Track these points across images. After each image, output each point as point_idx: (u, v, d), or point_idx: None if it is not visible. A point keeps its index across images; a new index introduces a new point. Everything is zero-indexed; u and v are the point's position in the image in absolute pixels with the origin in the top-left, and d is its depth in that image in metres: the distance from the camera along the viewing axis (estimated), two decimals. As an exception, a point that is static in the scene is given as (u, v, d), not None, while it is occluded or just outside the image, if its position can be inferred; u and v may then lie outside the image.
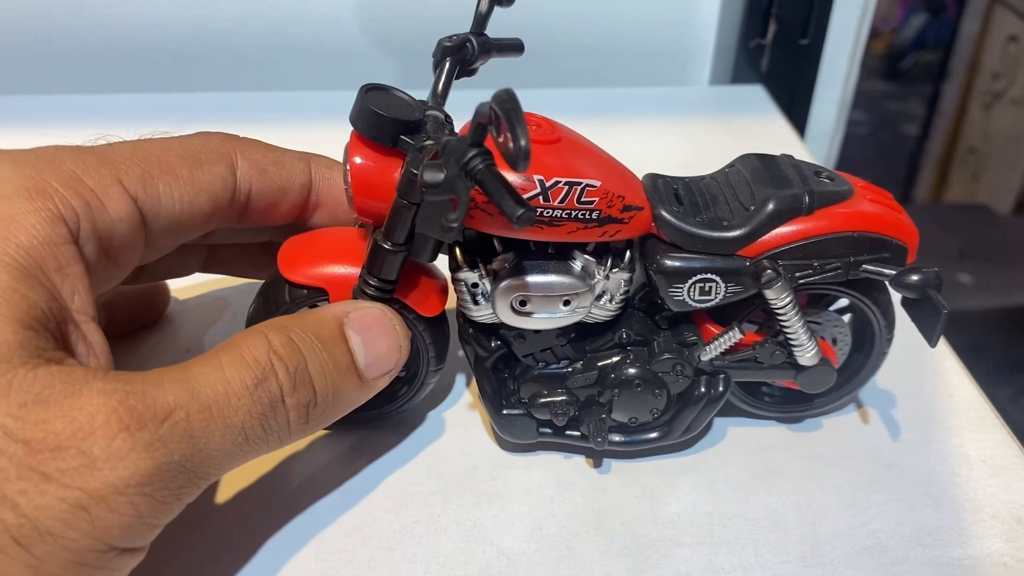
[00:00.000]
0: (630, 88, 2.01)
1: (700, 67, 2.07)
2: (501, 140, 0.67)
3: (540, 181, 0.82)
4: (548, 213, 0.83)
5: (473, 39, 0.92)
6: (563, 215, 0.83)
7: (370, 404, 1.01)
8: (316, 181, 0.98)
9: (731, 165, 0.96)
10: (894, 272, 0.87)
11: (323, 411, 0.82)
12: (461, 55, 0.92)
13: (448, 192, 0.73)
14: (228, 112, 1.73)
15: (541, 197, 0.82)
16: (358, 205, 0.87)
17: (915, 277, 0.86)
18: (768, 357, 0.95)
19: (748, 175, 0.92)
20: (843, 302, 0.98)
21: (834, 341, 0.99)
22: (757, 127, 1.81)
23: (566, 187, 0.83)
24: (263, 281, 0.97)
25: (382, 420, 1.03)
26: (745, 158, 0.95)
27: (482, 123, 0.69)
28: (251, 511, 0.92)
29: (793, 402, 1.02)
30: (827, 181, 0.91)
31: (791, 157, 0.94)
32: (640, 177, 0.94)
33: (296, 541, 0.89)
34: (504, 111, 0.66)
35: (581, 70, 2.04)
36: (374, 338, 0.85)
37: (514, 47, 0.98)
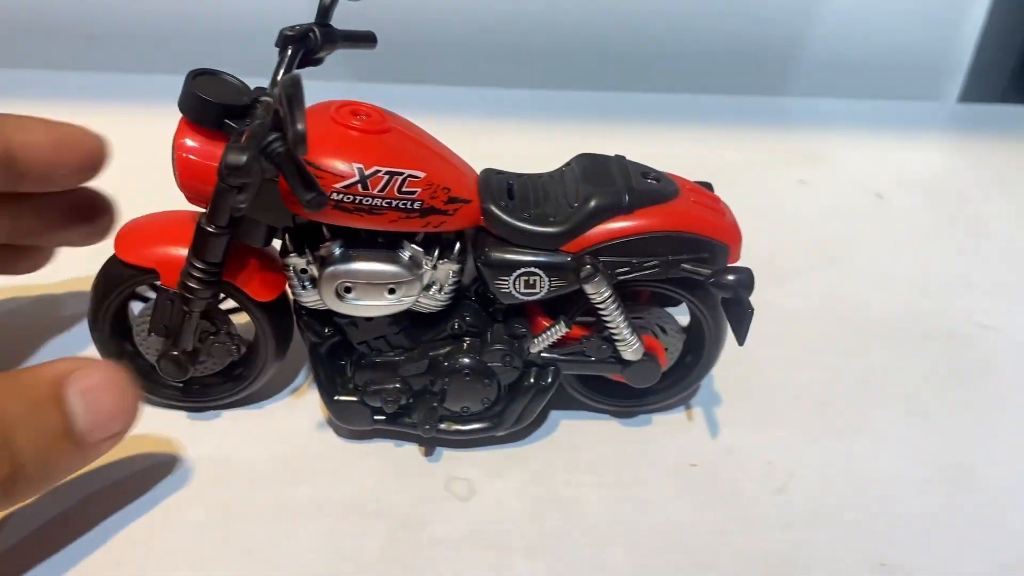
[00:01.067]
0: (873, 101, 1.92)
1: (948, 83, 1.98)
2: (284, 124, 0.69)
3: (359, 169, 0.84)
4: (368, 201, 0.85)
5: (316, 29, 0.94)
6: (383, 204, 0.85)
7: (203, 392, 1.02)
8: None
9: (568, 164, 0.98)
10: (709, 272, 0.90)
11: (32, 482, 0.76)
12: (303, 44, 0.94)
13: (248, 175, 0.75)
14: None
15: (360, 185, 0.84)
16: (185, 188, 0.88)
17: (729, 277, 0.89)
18: (595, 351, 0.98)
19: (579, 174, 0.95)
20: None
21: (657, 336, 1.02)
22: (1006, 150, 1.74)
23: (387, 176, 0.85)
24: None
25: (221, 405, 1.04)
26: (580, 157, 0.98)
27: (276, 109, 0.71)
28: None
29: (628, 396, 1.05)
30: (652, 182, 0.94)
31: (623, 158, 0.97)
32: (479, 172, 0.96)
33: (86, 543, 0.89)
34: (286, 96, 0.67)
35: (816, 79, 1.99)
36: (98, 399, 0.79)
37: (365, 38, 1.00)
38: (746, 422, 1.07)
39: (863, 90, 2.00)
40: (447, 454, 1.00)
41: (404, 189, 0.85)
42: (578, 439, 1.04)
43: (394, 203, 0.85)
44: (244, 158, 0.76)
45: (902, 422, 1.09)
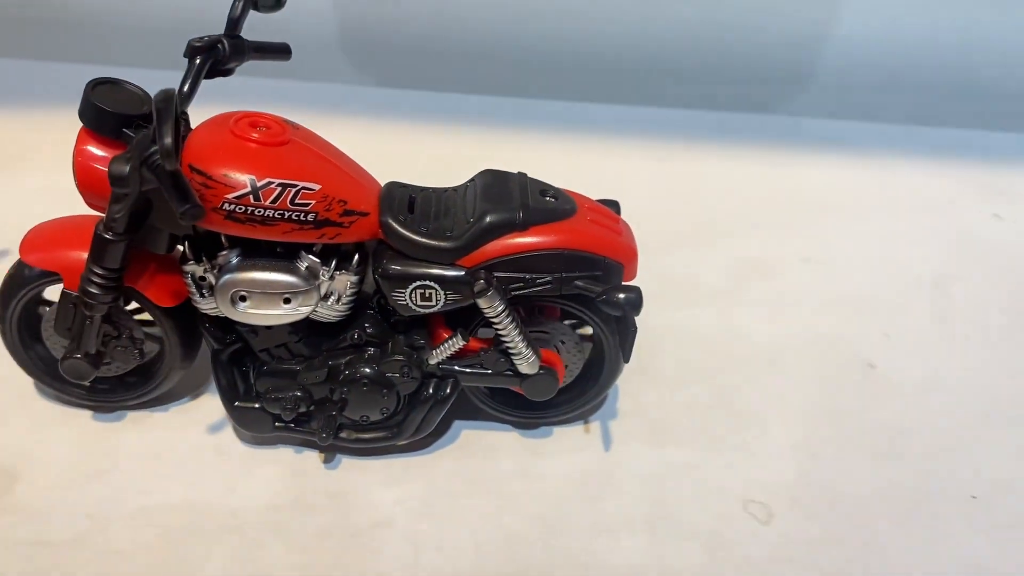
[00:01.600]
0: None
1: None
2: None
3: (252, 181, 0.85)
4: (260, 212, 0.86)
5: (225, 41, 0.95)
6: (276, 215, 0.87)
7: (110, 392, 1.04)
8: None
9: (472, 179, 1.00)
10: (600, 290, 0.92)
11: None
12: (211, 55, 0.95)
13: (129, 185, 0.76)
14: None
15: (251, 196, 0.85)
16: (84, 195, 0.89)
17: (619, 295, 0.91)
18: (492, 364, 0.99)
19: (479, 190, 0.96)
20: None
21: (563, 342, 1.03)
22: None
23: (279, 188, 0.86)
24: None
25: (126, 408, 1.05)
26: (483, 173, 0.99)
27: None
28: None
29: (530, 408, 1.06)
30: (550, 200, 0.95)
31: (525, 175, 0.99)
32: (383, 184, 0.98)
33: None
34: (156, 110, 0.69)
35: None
36: None
37: (278, 50, 1.01)
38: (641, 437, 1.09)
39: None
40: (346, 462, 1.02)
41: (297, 201, 0.87)
42: (477, 449, 1.05)
43: (287, 214, 0.87)
44: (127, 168, 0.77)
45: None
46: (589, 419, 1.11)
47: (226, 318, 0.95)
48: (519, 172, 1.00)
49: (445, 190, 1.00)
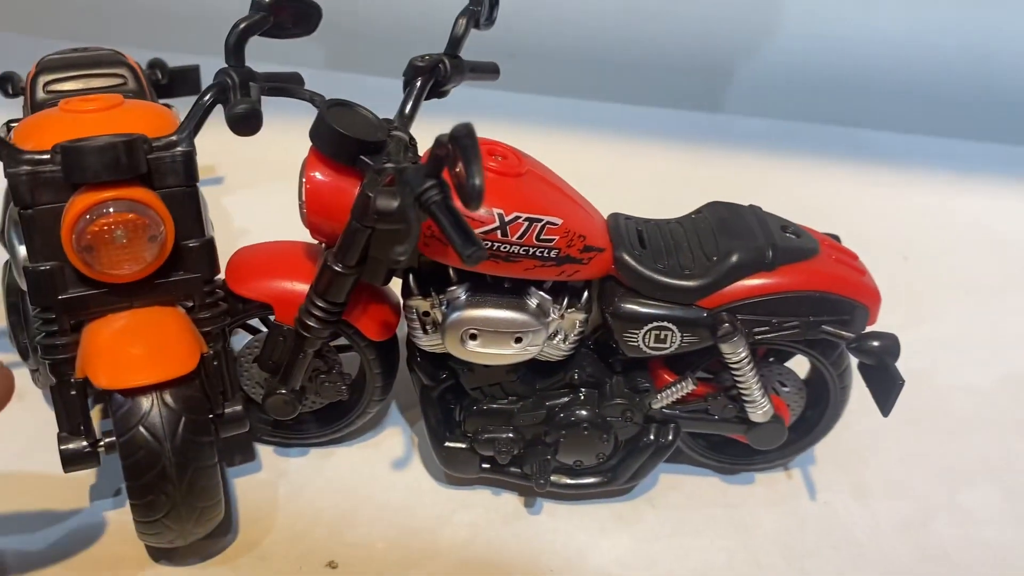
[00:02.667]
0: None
1: None
2: (456, 176, 0.64)
3: (500, 215, 0.80)
4: (505, 248, 0.80)
5: (446, 60, 0.90)
6: (521, 251, 0.81)
7: (297, 429, 0.98)
8: None
9: (698, 211, 0.94)
10: (852, 336, 0.86)
11: None
12: (433, 76, 0.90)
13: (400, 221, 0.71)
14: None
15: (499, 231, 0.80)
16: (310, 222, 0.84)
17: (874, 343, 0.85)
18: (720, 410, 0.93)
19: (714, 224, 0.90)
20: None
21: (788, 406, 0.97)
22: None
23: (526, 223, 0.80)
24: None
25: (312, 445, 1.00)
26: (713, 206, 0.93)
27: (439, 155, 0.67)
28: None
29: (737, 453, 1.00)
30: (793, 237, 0.89)
31: (759, 209, 0.93)
32: (606, 216, 0.92)
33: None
34: (462, 147, 0.63)
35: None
36: None
37: (489, 70, 0.96)
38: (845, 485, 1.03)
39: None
40: (547, 507, 0.96)
41: (543, 237, 0.81)
42: (683, 497, 0.99)
43: (532, 251, 0.81)
44: (395, 204, 0.72)
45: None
46: (789, 466, 1.05)
47: (440, 354, 0.89)
48: (751, 205, 0.94)
49: (668, 222, 0.94)
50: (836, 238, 0.98)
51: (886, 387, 0.85)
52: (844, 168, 1.81)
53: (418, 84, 0.89)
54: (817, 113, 2.00)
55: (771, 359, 0.97)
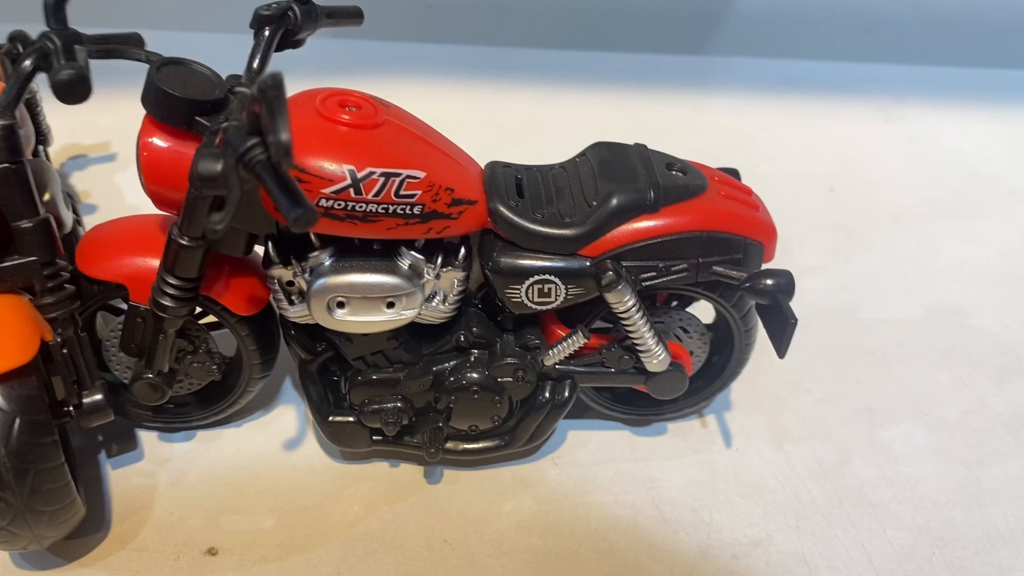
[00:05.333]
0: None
1: None
2: (264, 131, 0.58)
3: (351, 171, 0.73)
4: (361, 208, 0.74)
5: (295, 7, 0.83)
6: (379, 210, 0.75)
7: (179, 413, 0.93)
8: None
9: (582, 154, 0.88)
10: (744, 276, 0.81)
11: None
12: (282, 25, 0.83)
13: (224, 186, 0.64)
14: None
15: (352, 189, 0.73)
16: (151, 192, 0.77)
17: (766, 282, 0.80)
18: (615, 362, 0.89)
19: (596, 166, 0.85)
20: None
21: (691, 352, 0.93)
22: None
23: (382, 178, 0.74)
24: None
25: (197, 427, 0.95)
26: (596, 147, 0.88)
27: (256, 111, 0.61)
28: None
29: (645, 404, 0.96)
30: (679, 175, 0.84)
31: (644, 147, 0.87)
32: (483, 165, 0.86)
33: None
34: (266, 100, 0.57)
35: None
36: None
37: (350, 14, 0.89)
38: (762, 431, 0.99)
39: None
40: (447, 475, 0.92)
41: (402, 192, 0.75)
42: (588, 453, 0.95)
43: (391, 208, 0.75)
44: (218, 167, 0.65)
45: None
46: (704, 413, 1.01)
47: (315, 325, 0.84)
48: (637, 144, 0.88)
49: (552, 167, 0.88)
50: (735, 173, 0.92)
51: (780, 327, 0.80)
52: (769, 101, 1.75)
53: (266, 34, 0.82)
54: (738, 46, 1.94)
55: (674, 304, 0.93)
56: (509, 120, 1.60)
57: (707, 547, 0.85)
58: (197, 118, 0.73)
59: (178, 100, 0.73)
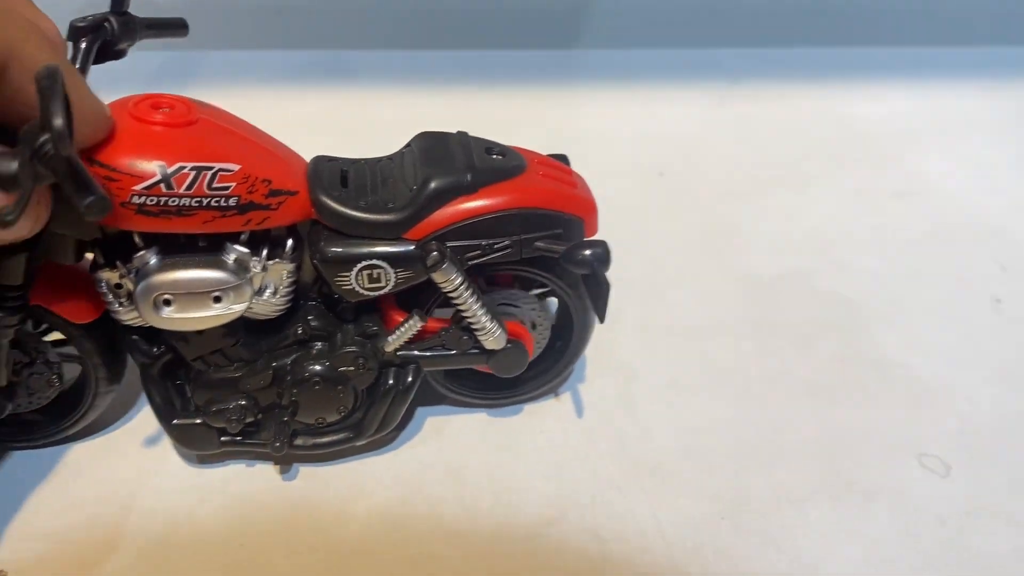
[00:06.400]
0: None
1: None
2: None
3: (161, 167, 0.75)
4: (174, 202, 0.76)
5: (112, 18, 0.84)
6: (193, 203, 0.76)
7: (28, 428, 0.92)
8: None
9: (407, 145, 0.91)
10: (564, 248, 0.84)
11: None
12: (99, 36, 0.84)
13: (20, 184, 0.65)
14: None
15: (163, 184, 0.75)
16: (-37, 203, 0.77)
17: (583, 252, 0.83)
18: (455, 343, 0.91)
19: (418, 155, 0.88)
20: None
21: (533, 325, 0.96)
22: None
23: (193, 172, 0.76)
24: None
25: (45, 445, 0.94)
26: (420, 137, 0.91)
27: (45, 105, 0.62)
28: None
29: (498, 388, 0.98)
30: (497, 158, 0.87)
31: (465, 134, 0.91)
32: (309, 160, 0.88)
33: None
34: (40, 91, 0.58)
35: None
36: None
37: (174, 25, 0.91)
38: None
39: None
40: (304, 471, 0.92)
41: (215, 185, 0.77)
42: (446, 440, 0.97)
43: (205, 201, 0.77)
44: (14, 166, 0.66)
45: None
46: (559, 391, 1.03)
47: (151, 328, 0.84)
48: (459, 131, 0.91)
49: (379, 160, 0.91)
50: (563, 158, 0.96)
51: (598, 293, 0.84)
52: (605, 91, 1.79)
53: (83, 46, 0.83)
54: (576, 39, 1.98)
55: (515, 285, 0.96)
56: (347, 120, 1.62)
57: (503, 528, 0.87)
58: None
59: None
